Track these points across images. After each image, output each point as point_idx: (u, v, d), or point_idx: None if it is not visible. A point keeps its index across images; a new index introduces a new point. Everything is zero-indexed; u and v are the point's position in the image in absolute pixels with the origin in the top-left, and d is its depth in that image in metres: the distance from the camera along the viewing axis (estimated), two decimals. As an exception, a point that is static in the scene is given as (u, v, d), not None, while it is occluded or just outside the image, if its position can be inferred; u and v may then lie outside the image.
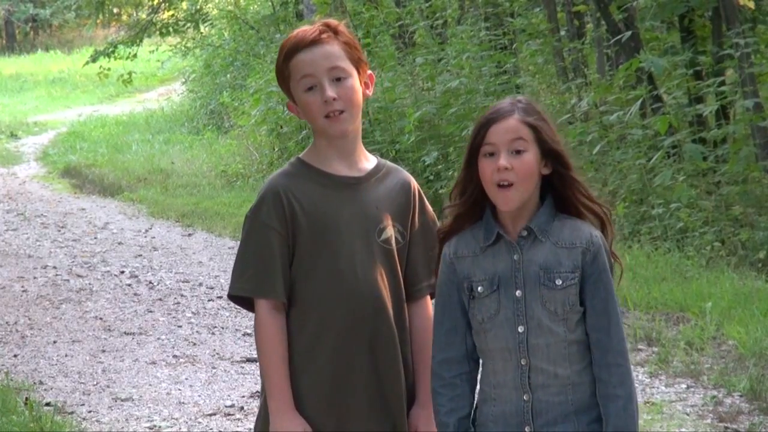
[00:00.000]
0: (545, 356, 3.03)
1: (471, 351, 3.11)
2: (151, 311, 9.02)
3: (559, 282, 3.03)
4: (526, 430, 3.05)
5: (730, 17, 10.21)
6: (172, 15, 25.53)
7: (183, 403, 6.76)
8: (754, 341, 7.02)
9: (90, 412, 6.64)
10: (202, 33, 25.50)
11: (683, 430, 6.01)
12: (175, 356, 7.74)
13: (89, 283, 10.10)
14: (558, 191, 3.08)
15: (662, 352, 7.14)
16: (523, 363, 3.04)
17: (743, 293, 8.01)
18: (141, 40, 24.53)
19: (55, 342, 8.18)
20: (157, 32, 25.40)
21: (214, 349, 7.86)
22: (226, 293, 3.36)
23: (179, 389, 7.02)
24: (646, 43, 11.50)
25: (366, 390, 3.21)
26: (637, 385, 6.61)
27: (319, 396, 3.20)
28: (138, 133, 22.16)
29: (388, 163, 3.37)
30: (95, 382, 7.20)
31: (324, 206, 3.22)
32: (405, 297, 3.29)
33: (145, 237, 12.48)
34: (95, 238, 12.50)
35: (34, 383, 7.18)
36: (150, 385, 7.12)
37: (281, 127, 15.83)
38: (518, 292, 3.04)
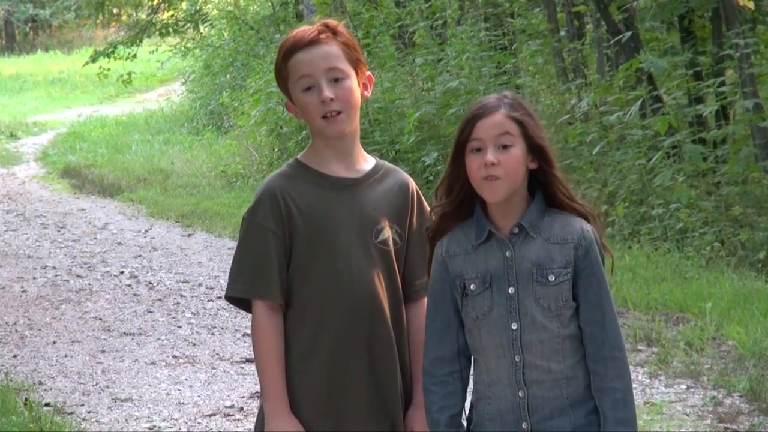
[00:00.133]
0: (539, 352, 3.04)
1: (463, 349, 3.12)
2: (150, 311, 9.02)
3: (552, 278, 3.03)
4: (523, 426, 3.05)
5: (729, 18, 10.21)
6: (172, 15, 25.53)
7: (183, 403, 6.76)
8: (754, 342, 7.02)
9: (90, 412, 6.63)
10: (201, 33, 25.51)
11: (683, 430, 6.01)
12: (174, 356, 7.74)
13: (89, 284, 10.10)
14: (545, 187, 3.09)
15: (662, 353, 7.14)
16: (517, 360, 3.04)
17: (743, 294, 8.01)
18: (141, 41, 24.52)
19: (54, 342, 8.17)
20: (157, 32, 25.39)
21: (214, 350, 7.86)
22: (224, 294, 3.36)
23: (179, 389, 7.02)
24: (646, 43, 11.50)
25: (363, 390, 3.21)
26: (636, 385, 6.65)
27: (317, 397, 3.20)
28: (138, 133, 22.16)
29: (387, 164, 3.36)
30: (95, 383, 7.20)
31: (321, 207, 3.22)
32: (403, 298, 3.29)
33: (145, 237, 12.48)
34: (95, 238, 12.50)
35: (34, 383, 7.17)
36: (150, 385, 7.12)
37: (281, 128, 15.83)
38: (511, 289, 3.05)
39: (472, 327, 3.08)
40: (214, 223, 12.95)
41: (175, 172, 17.25)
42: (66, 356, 7.81)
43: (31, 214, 14.31)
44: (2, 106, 28.52)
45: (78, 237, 12.58)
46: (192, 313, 8.95)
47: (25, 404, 6.53)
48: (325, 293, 3.20)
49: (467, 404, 3.16)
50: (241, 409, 6.61)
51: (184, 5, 25.55)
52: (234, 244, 3.32)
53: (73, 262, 11.13)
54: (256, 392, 6.46)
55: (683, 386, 6.66)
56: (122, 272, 10.56)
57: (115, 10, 35.23)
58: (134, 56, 24.44)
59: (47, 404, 6.68)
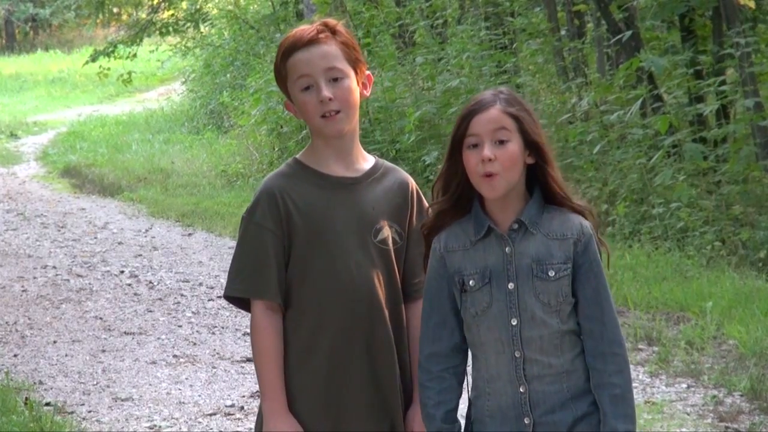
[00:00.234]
0: (539, 347, 3.04)
1: (459, 345, 3.12)
2: (151, 311, 9.02)
3: (552, 273, 3.03)
4: (525, 421, 3.05)
5: (730, 17, 10.21)
6: (172, 15, 25.52)
7: (183, 402, 6.76)
8: (755, 341, 7.02)
9: (90, 412, 6.63)
10: (202, 33, 25.49)
11: (684, 429, 6.01)
12: (175, 356, 7.73)
13: (89, 283, 10.10)
14: (542, 183, 3.09)
15: (663, 352, 7.14)
16: (517, 355, 3.04)
17: (744, 293, 8.01)
18: (141, 40, 24.52)
19: (55, 342, 8.17)
20: (157, 32, 25.39)
21: (214, 349, 7.86)
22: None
23: (179, 389, 7.02)
24: (647, 42, 11.49)
25: (362, 390, 3.21)
26: (637, 384, 6.65)
27: (316, 396, 3.20)
28: (138, 132, 22.15)
29: (386, 163, 3.36)
30: (95, 382, 7.20)
31: (320, 207, 3.22)
32: (403, 296, 3.28)
33: (145, 237, 12.48)
34: (95, 238, 12.50)
35: (34, 383, 7.17)
36: (150, 385, 7.12)
37: (281, 127, 15.82)
38: (510, 285, 3.04)
39: (471, 323, 3.08)
40: (214, 222, 12.95)
41: (176, 172, 17.25)
42: (66, 356, 7.81)
43: (31, 213, 14.31)
44: (2, 105, 28.52)
45: (78, 236, 12.58)
46: (192, 312, 8.95)
47: (26, 404, 6.53)
48: (324, 293, 3.19)
49: (466, 403, 3.16)
50: (242, 408, 6.61)
51: (184, 4, 25.54)
52: (234, 244, 3.32)
53: (73, 261, 11.13)
54: (257, 391, 6.45)
55: (684, 385, 6.66)
56: (122, 272, 10.56)
57: (115, 10, 35.24)
58: (134, 56, 24.45)
59: (48, 404, 6.68)
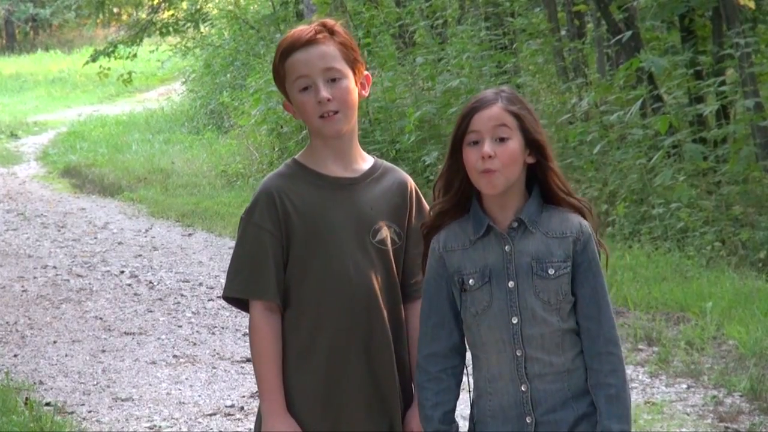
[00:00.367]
0: (540, 346, 3.04)
1: (457, 345, 3.12)
2: (151, 311, 9.02)
3: (551, 271, 3.03)
4: (527, 420, 3.05)
5: (730, 17, 10.21)
6: (172, 15, 25.51)
7: (183, 403, 6.76)
8: (755, 341, 7.02)
9: (90, 412, 6.63)
10: (202, 33, 25.49)
11: (683, 430, 6.01)
12: (175, 356, 7.74)
13: (89, 283, 10.10)
14: (542, 182, 3.09)
15: (662, 352, 7.13)
16: (518, 354, 3.04)
17: (744, 293, 8.01)
18: (141, 40, 24.52)
19: (55, 342, 8.17)
20: (157, 32, 25.38)
21: (214, 349, 7.86)
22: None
23: (179, 389, 7.02)
24: (647, 42, 11.50)
25: (361, 390, 3.21)
26: (637, 384, 6.65)
27: (314, 397, 3.20)
28: (138, 133, 22.15)
29: (385, 163, 3.36)
30: (95, 382, 7.20)
31: (318, 207, 3.22)
32: (402, 297, 3.28)
33: (145, 237, 12.48)
34: (95, 238, 12.50)
35: (34, 383, 7.17)
36: (150, 385, 7.12)
37: (281, 127, 15.82)
38: (510, 283, 3.05)
39: (472, 323, 3.08)
40: (214, 222, 12.95)
41: (176, 172, 17.25)
42: (66, 356, 7.81)
43: (31, 213, 14.31)
44: (3, 105, 28.52)
45: (78, 236, 12.58)
46: (192, 312, 8.95)
47: (26, 404, 6.53)
48: (322, 293, 3.20)
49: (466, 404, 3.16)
50: (242, 408, 6.61)
51: (184, 5, 25.54)
52: (234, 244, 3.32)
53: (73, 261, 11.13)
54: (257, 392, 6.45)
55: (684, 386, 6.66)
56: (123, 272, 10.56)
57: (115, 10, 35.24)
58: (134, 56, 24.44)
59: (48, 404, 6.68)
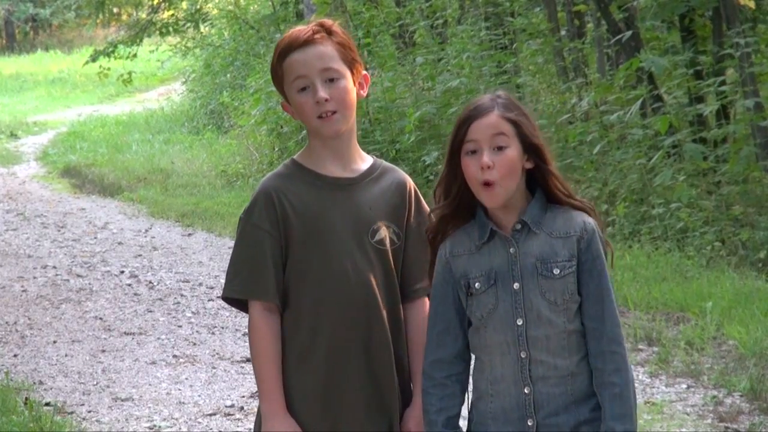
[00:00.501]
0: (545, 348, 3.04)
1: (462, 352, 3.12)
2: (151, 311, 9.02)
3: (557, 271, 3.03)
4: (528, 423, 3.05)
5: (730, 17, 10.21)
6: (172, 15, 25.51)
7: (183, 403, 6.76)
8: (755, 341, 7.02)
9: (90, 412, 6.63)
10: (202, 33, 25.49)
11: (683, 430, 6.01)
12: (175, 356, 7.74)
13: (89, 283, 10.10)
14: (542, 185, 3.09)
15: (662, 352, 7.14)
16: (522, 356, 3.04)
17: (744, 293, 8.00)
18: (141, 40, 24.51)
19: (55, 342, 8.17)
20: (157, 32, 25.38)
21: (214, 349, 7.86)
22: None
23: (179, 389, 7.02)
24: (647, 42, 11.50)
25: (360, 391, 3.21)
26: (637, 384, 6.62)
27: (314, 397, 3.20)
28: (138, 133, 22.15)
29: (384, 163, 3.36)
30: (95, 382, 7.20)
31: (316, 207, 3.22)
32: (401, 297, 3.28)
33: (145, 237, 12.48)
34: (95, 238, 12.50)
35: (34, 383, 7.17)
36: (150, 385, 7.12)
37: (281, 127, 15.82)
38: (516, 285, 3.05)
39: (478, 325, 3.08)
40: (214, 222, 12.95)
41: (176, 172, 17.25)
42: (66, 356, 7.81)
43: (31, 213, 14.31)
44: (2, 105, 28.52)
45: (78, 236, 12.58)
46: (192, 312, 8.95)
47: (26, 404, 6.53)
48: (321, 293, 3.19)
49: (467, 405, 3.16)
50: (242, 408, 6.61)
51: (184, 5, 25.54)
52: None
53: (73, 261, 11.13)
54: (257, 392, 6.45)
55: (684, 386, 6.66)
56: (122, 272, 10.56)
57: (115, 10, 35.25)
58: (134, 56, 24.44)
59: (47, 404, 6.68)
